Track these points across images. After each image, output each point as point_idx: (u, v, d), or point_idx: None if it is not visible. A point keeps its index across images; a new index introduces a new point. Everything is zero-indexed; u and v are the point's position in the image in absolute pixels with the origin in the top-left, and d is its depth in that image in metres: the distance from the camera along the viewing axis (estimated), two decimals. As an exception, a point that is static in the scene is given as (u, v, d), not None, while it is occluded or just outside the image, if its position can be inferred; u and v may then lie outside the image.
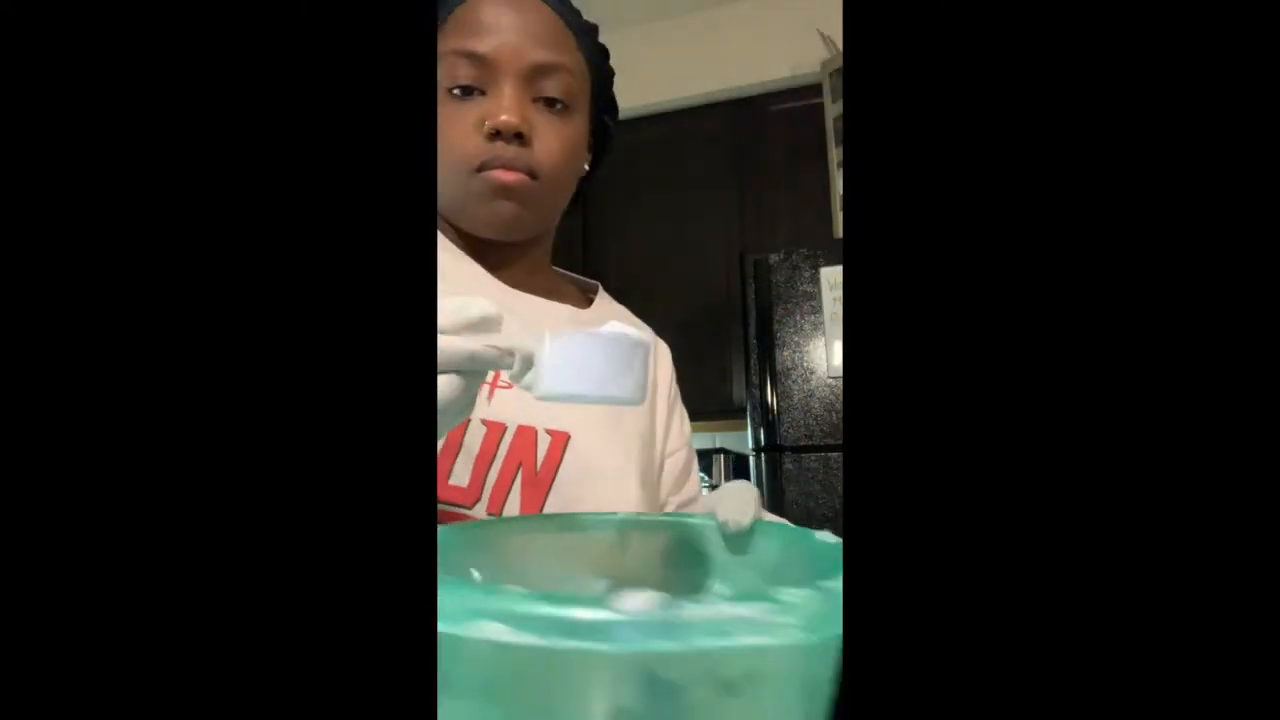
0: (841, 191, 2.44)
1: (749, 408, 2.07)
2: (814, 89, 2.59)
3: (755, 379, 2.06)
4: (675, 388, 0.82)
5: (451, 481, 0.58)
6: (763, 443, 2.02)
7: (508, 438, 0.60)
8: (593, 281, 0.83)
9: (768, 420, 2.02)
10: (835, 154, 2.46)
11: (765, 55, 2.72)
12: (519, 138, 0.62)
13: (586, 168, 0.74)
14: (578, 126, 0.67)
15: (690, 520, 0.45)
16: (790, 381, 2.02)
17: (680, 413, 0.81)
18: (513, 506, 0.58)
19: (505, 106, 0.62)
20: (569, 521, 0.45)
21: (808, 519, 1.96)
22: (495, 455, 0.59)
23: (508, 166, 0.62)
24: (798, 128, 2.63)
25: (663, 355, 0.81)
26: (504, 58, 0.62)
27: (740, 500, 0.45)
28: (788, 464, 2.00)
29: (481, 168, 0.62)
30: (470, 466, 0.58)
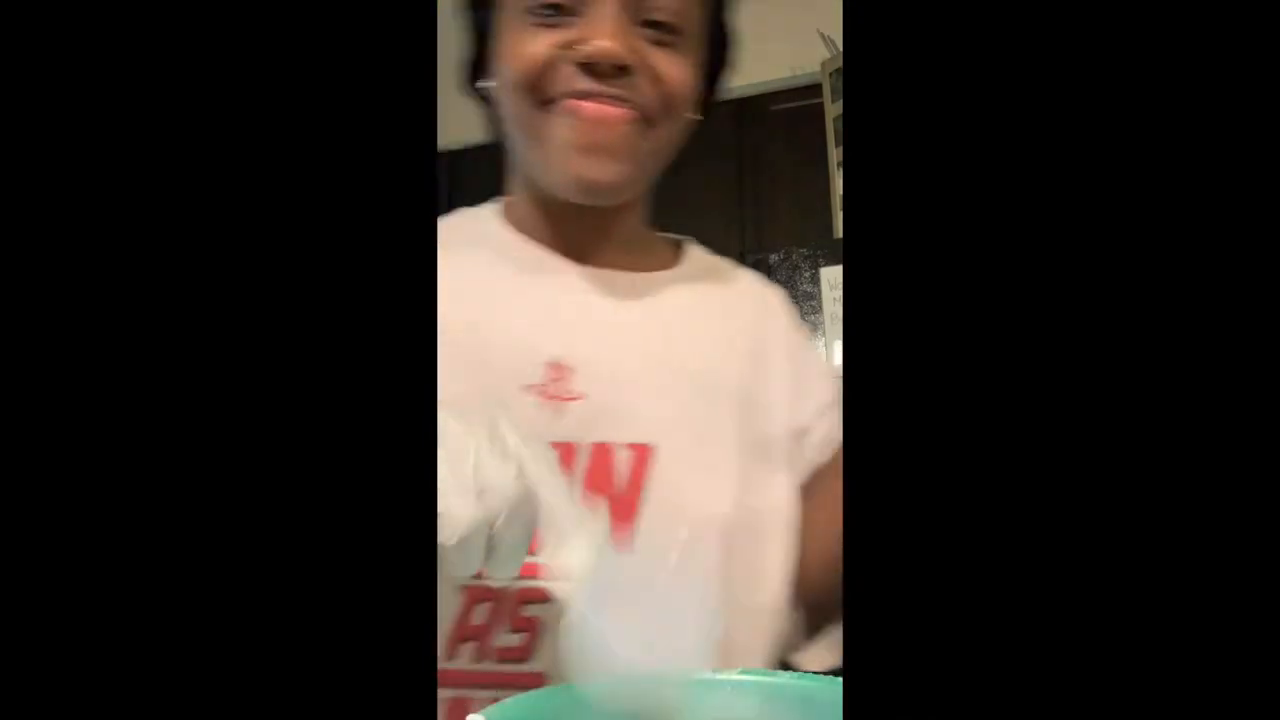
0: (841, 191, 2.44)
1: (749, 408, 2.06)
2: (814, 89, 2.58)
3: (755, 379, 2.06)
4: (797, 340, 0.63)
5: None
6: (763, 443, 2.02)
7: (581, 461, 0.51)
8: (683, 244, 0.65)
9: (768, 420, 2.02)
10: (835, 154, 2.46)
11: (765, 55, 2.72)
12: (622, 71, 0.48)
13: (696, 115, 0.58)
14: (692, 60, 0.53)
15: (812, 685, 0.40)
16: (790, 381, 2.02)
17: (815, 370, 0.63)
18: None
19: (605, 29, 0.48)
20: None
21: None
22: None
23: (605, 100, 0.48)
24: (798, 128, 2.62)
25: (769, 306, 0.64)
26: None
27: None
28: (788, 464, 1.99)
29: (565, 99, 0.49)
30: None
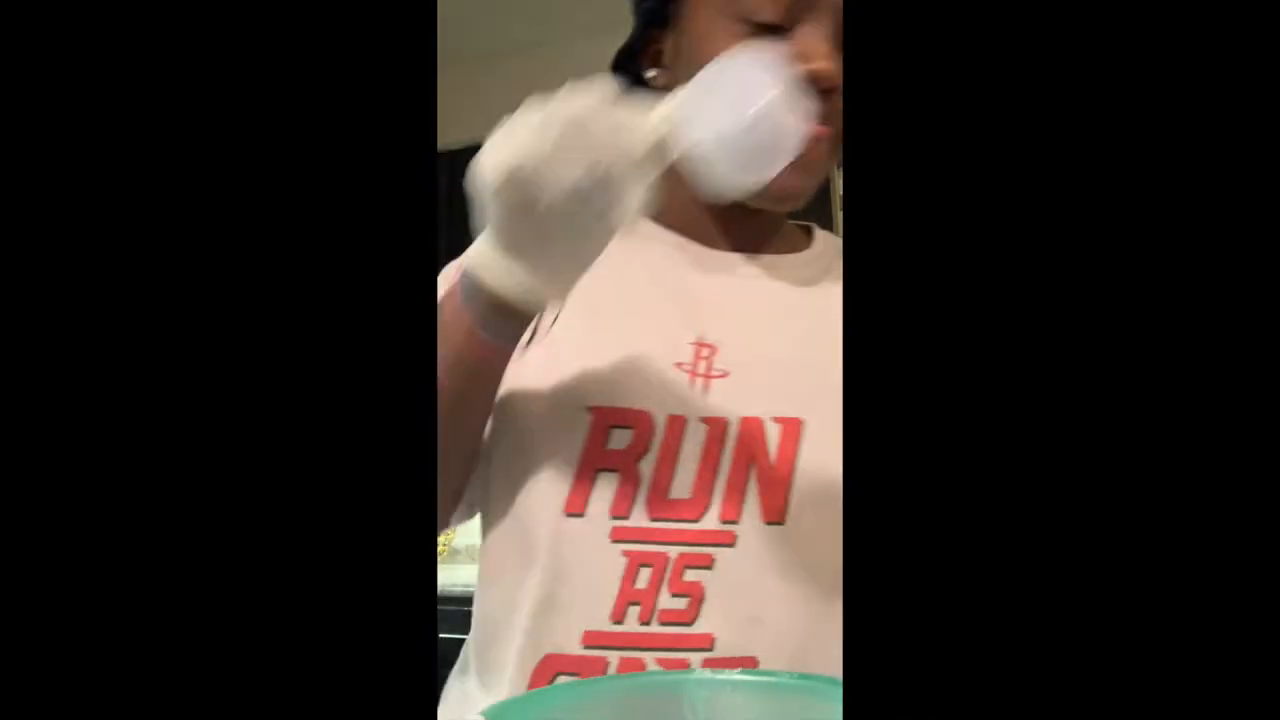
0: (841, 191, 2.43)
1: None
2: (814, 89, 2.57)
3: (755, 379, 2.05)
4: None
5: (672, 495, 0.51)
6: (763, 443, 2.01)
7: (732, 434, 0.52)
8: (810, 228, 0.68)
9: (768, 420, 2.01)
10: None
11: (765, 55, 2.71)
12: (830, 92, 0.51)
13: None
14: None
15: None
16: (790, 382, 2.01)
17: None
18: (751, 511, 0.51)
19: (822, 51, 0.50)
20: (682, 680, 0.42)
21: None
22: (721, 456, 0.52)
23: (818, 120, 0.50)
24: (798, 128, 2.61)
25: None
26: None
27: None
28: (788, 464, 1.98)
29: None
30: (693, 474, 0.51)
